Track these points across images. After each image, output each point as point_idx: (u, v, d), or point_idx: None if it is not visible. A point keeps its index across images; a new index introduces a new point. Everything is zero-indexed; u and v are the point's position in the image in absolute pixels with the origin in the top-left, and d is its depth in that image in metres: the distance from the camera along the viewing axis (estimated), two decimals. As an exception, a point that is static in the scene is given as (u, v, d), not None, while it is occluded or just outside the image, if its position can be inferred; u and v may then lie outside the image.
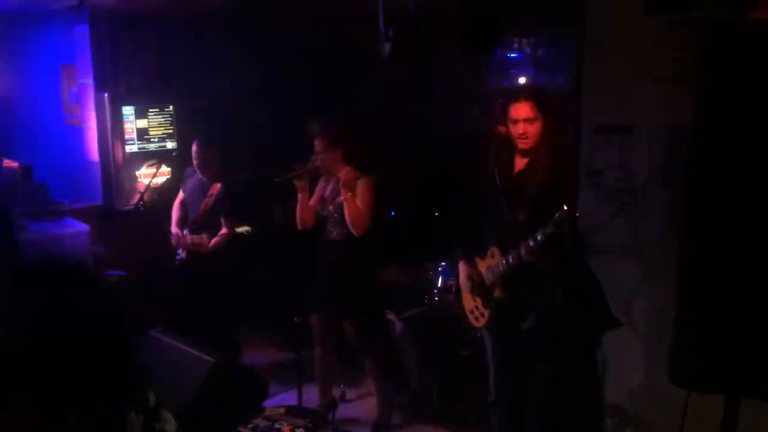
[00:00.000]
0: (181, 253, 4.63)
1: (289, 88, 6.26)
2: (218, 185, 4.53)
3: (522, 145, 3.10)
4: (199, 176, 4.65)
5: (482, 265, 3.27)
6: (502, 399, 3.25)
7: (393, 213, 5.83)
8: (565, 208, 2.68)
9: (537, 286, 2.67)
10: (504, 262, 3.08)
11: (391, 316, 4.46)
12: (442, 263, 4.68)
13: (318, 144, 3.91)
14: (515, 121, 3.11)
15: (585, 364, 2.48)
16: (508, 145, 3.17)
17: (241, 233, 4.86)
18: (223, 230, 4.52)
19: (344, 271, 3.93)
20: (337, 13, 5.83)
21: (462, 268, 3.39)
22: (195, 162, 4.57)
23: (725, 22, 2.28)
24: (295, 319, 3.97)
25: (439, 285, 4.66)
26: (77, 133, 5.55)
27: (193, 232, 4.56)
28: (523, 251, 2.90)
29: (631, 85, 2.59)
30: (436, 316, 4.51)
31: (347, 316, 3.98)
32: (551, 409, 2.50)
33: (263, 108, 6.37)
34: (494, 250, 3.18)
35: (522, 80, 5.33)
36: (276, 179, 3.81)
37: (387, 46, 2.72)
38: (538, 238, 2.86)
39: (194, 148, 4.56)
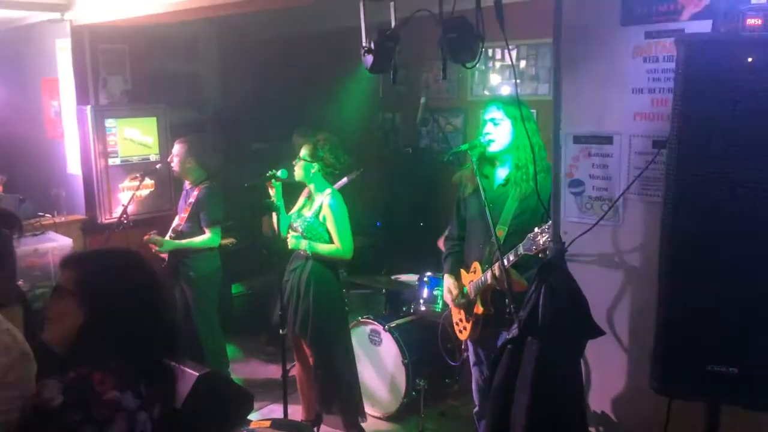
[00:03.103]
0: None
1: (272, 101, 6.28)
2: (199, 189, 4.54)
3: (490, 147, 3.14)
4: (186, 187, 4.68)
5: (466, 279, 3.29)
6: (486, 409, 3.26)
7: (378, 223, 5.85)
8: (536, 230, 2.71)
9: (518, 300, 2.68)
10: (483, 278, 3.10)
11: (376, 326, 4.46)
12: (427, 273, 4.69)
13: (303, 150, 3.91)
14: (485, 122, 3.17)
15: (568, 372, 2.49)
16: (487, 158, 3.20)
17: (226, 244, 4.86)
18: (205, 234, 4.51)
19: (297, 291, 3.89)
20: (320, 26, 5.87)
21: (446, 282, 3.41)
22: (173, 167, 4.60)
23: (702, 34, 2.32)
24: (281, 331, 3.96)
25: (424, 295, 4.67)
26: (59, 147, 5.52)
27: (173, 240, 4.57)
28: (496, 270, 2.94)
29: (610, 95, 2.62)
30: (422, 326, 4.52)
31: (299, 337, 3.94)
32: (535, 418, 2.50)
33: (247, 120, 6.38)
34: (476, 265, 3.20)
35: (505, 90, 5.38)
36: (246, 184, 3.82)
37: (369, 59, 2.73)
38: (510, 258, 2.89)
39: (173, 151, 4.59)
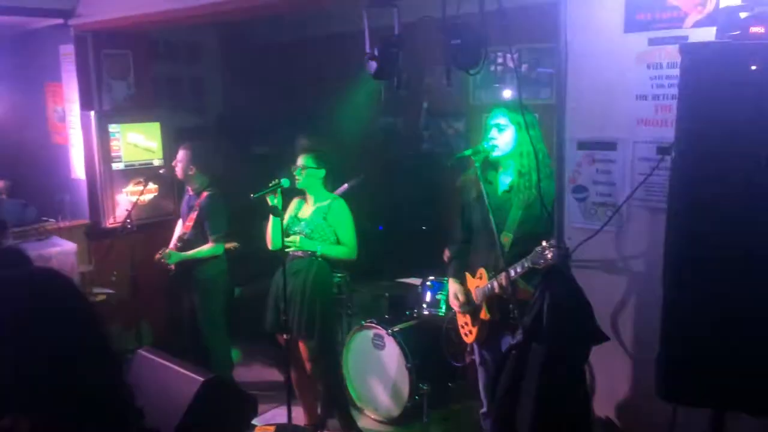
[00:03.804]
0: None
1: (275, 106, 6.29)
2: (203, 196, 4.53)
3: (493, 152, 3.14)
4: (189, 192, 4.67)
5: (472, 284, 3.29)
6: (493, 411, 3.27)
7: (381, 227, 5.86)
8: (544, 243, 2.70)
9: (523, 306, 2.69)
10: (489, 286, 3.11)
11: (380, 331, 4.46)
12: (431, 277, 4.69)
13: (300, 160, 3.93)
14: (489, 127, 3.17)
15: (573, 378, 2.50)
16: (490, 163, 3.21)
17: (229, 249, 4.86)
18: (209, 244, 4.51)
19: (302, 292, 3.91)
20: (323, 31, 5.88)
21: (451, 286, 3.41)
22: (177, 173, 4.60)
23: (706, 41, 2.32)
24: (284, 336, 3.96)
25: (427, 299, 4.68)
26: (63, 152, 5.54)
27: (179, 249, 4.56)
28: (503, 281, 2.94)
29: (613, 101, 2.63)
30: (425, 330, 4.52)
31: (302, 339, 3.96)
32: (541, 423, 2.51)
33: (249, 124, 6.39)
34: (482, 272, 3.20)
35: (506, 94, 5.38)
36: (252, 195, 3.82)
37: (372, 65, 2.74)
38: (518, 270, 2.90)
39: (177, 157, 4.59)
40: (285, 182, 3.87)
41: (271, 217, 3.95)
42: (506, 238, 3.08)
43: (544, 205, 2.71)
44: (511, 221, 3.10)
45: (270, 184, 3.83)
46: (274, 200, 3.81)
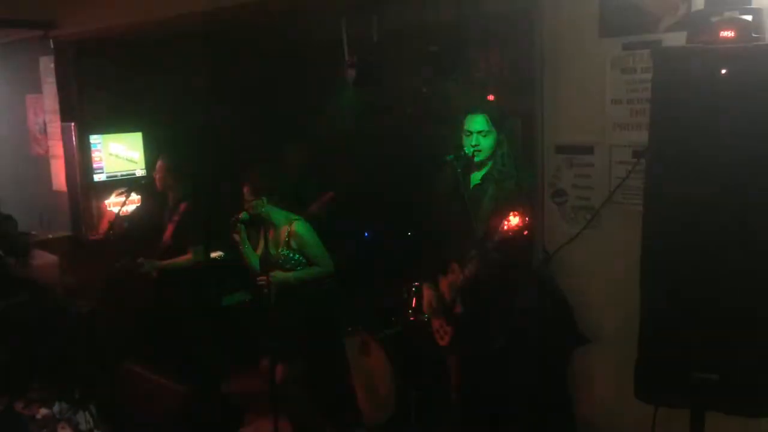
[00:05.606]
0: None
1: (256, 113, 6.28)
2: (182, 207, 4.50)
3: (475, 157, 3.14)
4: (170, 202, 4.64)
5: (444, 283, 3.29)
6: (476, 415, 3.26)
7: (366, 234, 5.86)
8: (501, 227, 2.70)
9: (499, 302, 2.69)
10: (461, 277, 3.11)
11: (366, 337, 4.46)
12: (416, 283, 4.69)
13: (246, 191, 3.90)
14: (469, 133, 3.17)
15: (555, 381, 2.51)
16: (468, 162, 3.21)
17: (214, 258, 4.84)
18: (188, 255, 4.48)
19: (286, 316, 3.90)
20: (309, 38, 5.88)
21: (425, 293, 3.42)
22: (157, 184, 4.57)
23: (677, 46, 2.35)
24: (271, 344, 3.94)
25: (413, 305, 4.67)
26: (44, 164, 5.50)
27: (159, 258, 4.53)
28: (471, 267, 2.94)
29: (590, 105, 2.65)
30: (411, 336, 4.52)
31: (284, 359, 3.95)
32: (524, 425, 2.52)
33: (231, 133, 6.37)
34: (454, 266, 3.20)
35: (488, 99, 5.40)
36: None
37: (352, 73, 2.75)
38: (488, 246, 2.90)
39: (156, 167, 4.57)
40: (245, 216, 3.87)
41: (240, 250, 3.95)
42: (478, 233, 3.08)
43: (515, 203, 2.71)
44: (483, 213, 3.10)
45: (230, 222, 3.83)
46: (236, 238, 3.82)
